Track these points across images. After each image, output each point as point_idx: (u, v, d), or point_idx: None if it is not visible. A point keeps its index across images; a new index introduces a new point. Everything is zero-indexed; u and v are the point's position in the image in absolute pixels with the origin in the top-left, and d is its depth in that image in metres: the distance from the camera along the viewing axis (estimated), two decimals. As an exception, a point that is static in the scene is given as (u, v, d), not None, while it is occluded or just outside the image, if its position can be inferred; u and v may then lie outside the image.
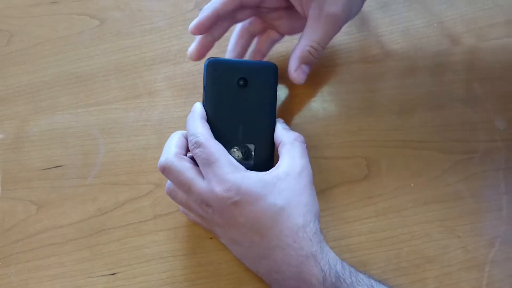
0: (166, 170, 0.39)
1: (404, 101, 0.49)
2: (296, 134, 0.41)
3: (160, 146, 0.43)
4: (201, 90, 0.43)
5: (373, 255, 0.44)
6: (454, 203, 0.46)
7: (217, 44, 0.45)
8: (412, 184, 0.46)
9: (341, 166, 0.47)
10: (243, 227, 0.38)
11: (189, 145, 0.40)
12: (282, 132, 0.41)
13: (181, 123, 0.49)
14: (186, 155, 0.40)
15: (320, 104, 0.49)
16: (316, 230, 0.38)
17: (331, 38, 0.43)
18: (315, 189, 0.40)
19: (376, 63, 0.50)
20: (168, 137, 0.42)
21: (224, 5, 0.42)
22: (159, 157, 0.40)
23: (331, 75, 0.50)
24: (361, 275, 0.38)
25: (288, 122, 0.46)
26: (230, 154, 0.39)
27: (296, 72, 0.43)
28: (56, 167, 0.47)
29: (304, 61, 0.43)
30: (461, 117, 0.49)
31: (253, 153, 0.41)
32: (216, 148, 0.38)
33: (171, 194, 0.42)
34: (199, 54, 0.44)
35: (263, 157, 0.41)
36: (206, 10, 0.42)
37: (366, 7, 0.48)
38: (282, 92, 0.49)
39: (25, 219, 0.45)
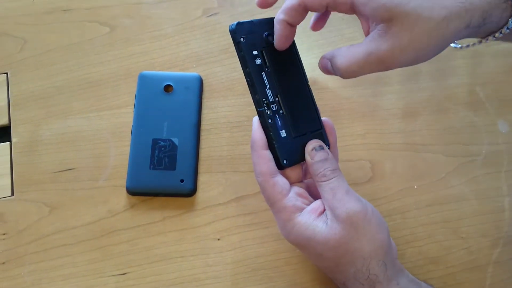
0: None
1: (408, 105, 0.50)
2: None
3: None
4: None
5: (377, 256, 0.45)
6: (457, 205, 0.46)
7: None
8: (415, 186, 0.47)
9: (346, 168, 0.47)
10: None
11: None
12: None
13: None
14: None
15: (325, 108, 0.50)
16: (371, 274, 0.37)
17: None
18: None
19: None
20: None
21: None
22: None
23: (335, 79, 0.51)
24: None
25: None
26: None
27: None
28: (68, 170, 0.48)
29: None
30: (464, 120, 0.49)
31: (177, 145, 0.47)
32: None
33: None
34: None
35: (186, 149, 0.48)
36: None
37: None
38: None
39: (38, 221, 0.47)
